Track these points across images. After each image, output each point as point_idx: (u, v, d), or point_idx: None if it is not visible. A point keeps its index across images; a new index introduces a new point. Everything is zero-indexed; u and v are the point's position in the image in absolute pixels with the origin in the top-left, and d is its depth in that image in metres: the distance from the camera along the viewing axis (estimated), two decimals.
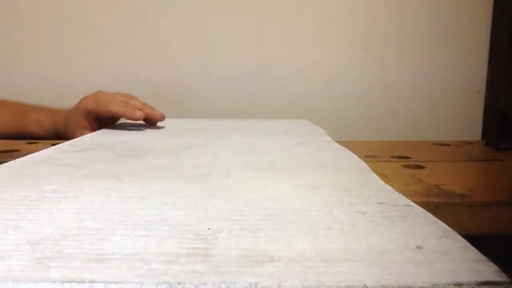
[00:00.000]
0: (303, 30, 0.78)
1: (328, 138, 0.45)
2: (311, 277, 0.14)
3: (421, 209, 0.21)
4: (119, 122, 0.58)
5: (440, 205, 0.30)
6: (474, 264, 0.15)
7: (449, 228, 0.18)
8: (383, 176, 0.36)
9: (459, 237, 0.17)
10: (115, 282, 0.13)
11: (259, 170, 0.29)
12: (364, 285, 0.14)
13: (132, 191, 0.24)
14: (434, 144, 0.55)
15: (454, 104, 0.77)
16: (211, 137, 0.45)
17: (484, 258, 0.16)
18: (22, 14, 0.76)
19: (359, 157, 0.42)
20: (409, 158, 0.44)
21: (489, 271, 0.15)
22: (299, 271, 0.14)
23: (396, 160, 0.43)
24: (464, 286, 0.14)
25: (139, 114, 0.47)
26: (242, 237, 0.17)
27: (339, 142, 0.48)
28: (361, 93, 0.78)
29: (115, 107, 0.48)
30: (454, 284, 0.14)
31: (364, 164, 0.32)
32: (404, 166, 0.40)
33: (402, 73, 0.78)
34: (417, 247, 0.16)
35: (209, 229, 0.18)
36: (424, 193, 0.31)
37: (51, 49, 0.77)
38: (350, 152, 0.37)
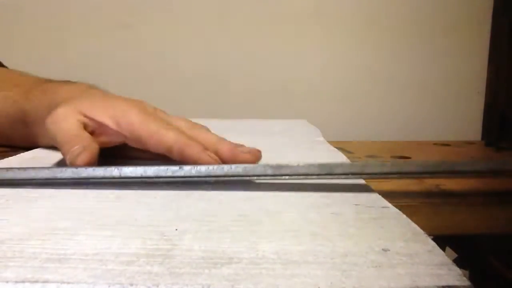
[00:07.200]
0: (303, 30, 0.78)
1: (321, 139, 0.45)
2: (266, 280, 0.14)
3: (397, 211, 0.21)
4: None
5: (440, 205, 0.30)
6: (437, 268, 0.15)
7: (421, 231, 0.18)
8: None
9: (429, 240, 0.17)
10: (68, 283, 0.13)
11: None
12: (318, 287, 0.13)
13: (110, 190, 0.24)
14: (434, 144, 0.55)
15: (454, 104, 0.77)
16: None
17: (449, 261, 0.15)
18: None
19: (359, 157, 0.42)
20: (409, 158, 0.44)
21: (451, 275, 0.14)
22: (256, 273, 0.14)
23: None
24: None
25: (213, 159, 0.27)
26: (207, 238, 0.17)
27: (339, 142, 0.48)
28: (361, 93, 0.78)
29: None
30: None
31: None
32: None
33: (402, 73, 0.77)
34: (383, 250, 0.16)
35: (176, 229, 0.18)
36: (424, 193, 0.31)
37: (47, 39, 0.77)
38: (340, 153, 0.36)
